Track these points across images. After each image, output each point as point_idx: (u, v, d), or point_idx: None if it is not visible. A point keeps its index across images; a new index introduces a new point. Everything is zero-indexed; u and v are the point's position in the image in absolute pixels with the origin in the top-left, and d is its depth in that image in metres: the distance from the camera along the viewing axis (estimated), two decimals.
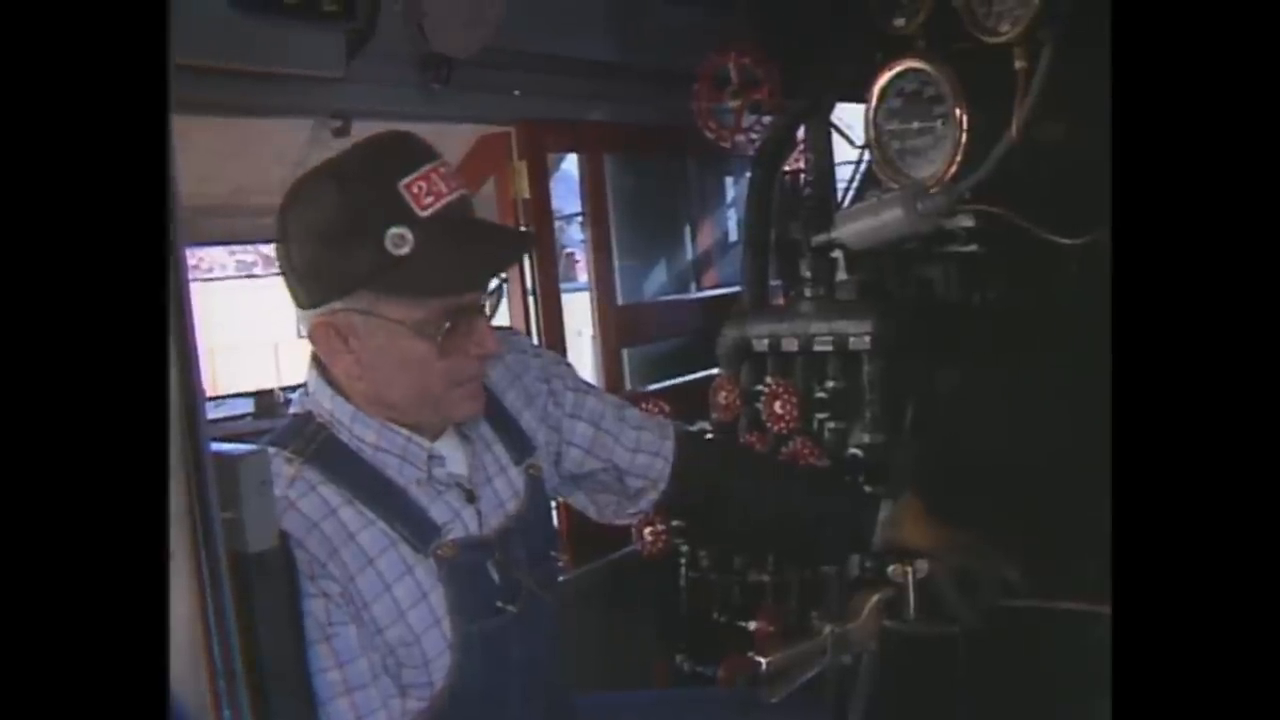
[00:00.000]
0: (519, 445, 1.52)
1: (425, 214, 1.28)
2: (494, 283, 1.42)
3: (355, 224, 1.28)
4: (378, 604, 1.32)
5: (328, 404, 1.39)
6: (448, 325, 1.33)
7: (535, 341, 2.44)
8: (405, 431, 1.39)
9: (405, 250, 1.27)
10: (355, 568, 1.31)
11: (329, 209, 1.30)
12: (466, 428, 1.46)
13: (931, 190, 2.11)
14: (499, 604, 1.40)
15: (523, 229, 1.57)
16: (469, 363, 1.37)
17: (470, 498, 1.43)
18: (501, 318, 2.51)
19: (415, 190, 1.28)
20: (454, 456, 1.44)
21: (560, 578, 1.63)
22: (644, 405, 2.23)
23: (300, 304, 1.36)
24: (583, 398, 1.64)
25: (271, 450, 1.33)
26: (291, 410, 1.44)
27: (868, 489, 2.10)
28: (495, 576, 1.41)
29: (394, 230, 1.27)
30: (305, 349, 1.43)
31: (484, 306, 1.39)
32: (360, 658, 1.30)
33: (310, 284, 1.33)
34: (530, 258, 2.49)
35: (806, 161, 2.45)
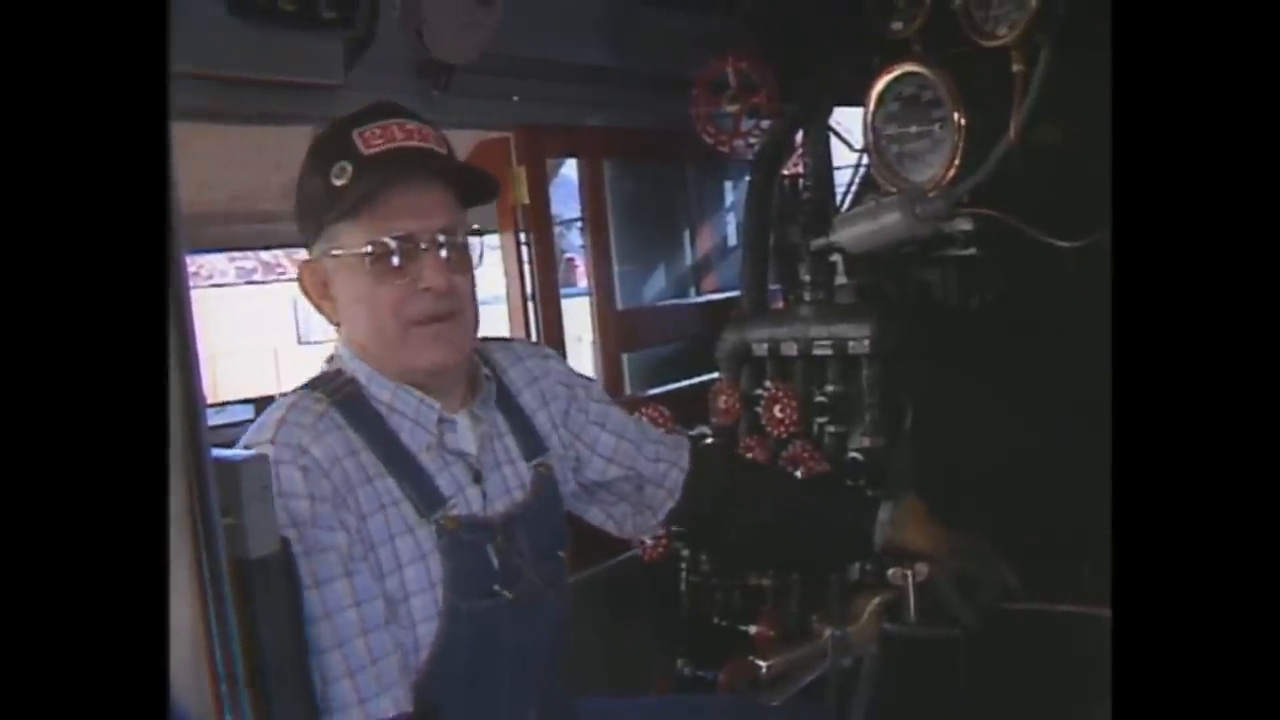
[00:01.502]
0: (531, 443, 1.54)
1: (369, 152, 1.37)
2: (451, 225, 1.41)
3: (316, 169, 1.41)
4: (383, 548, 1.35)
5: (349, 365, 1.44)
6: (395, 259, 1.37)
7: None
8: (418, 393, 1.42)
9: (344, 181, 1.37)
10: (369, 509, 1.35)
11: (306, 164, 1.43)
12: (478, 408, 1.48)
13: (930, 194, 2.12)
14: (495, 588, 1.41)
15: (480, 170, 1.59)
16: (419, 297, 1.38)
17: (477, 477, 1.45)
18: (502, 324, 2.53)
19: (367, 135, 1.38)
20: (465, 431, 1.46)
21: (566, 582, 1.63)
22: (644, 410, 2.24)
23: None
24: (607, 408, 1.67)
25: (303, 389, 1.42)
26: (325, 365, 1.48)
27: (868, 492, 2.10)
28: (494, 560, 1.43)
29: (338, 165, 1.37)
30: (306, 355, 1.45)
31: (440, 243, 1.39)
32: (377, 598, 1.33)
33: (303, 233, 1.45)
34: (530, 263, 2.50)
35: (805, 165, 2.45)
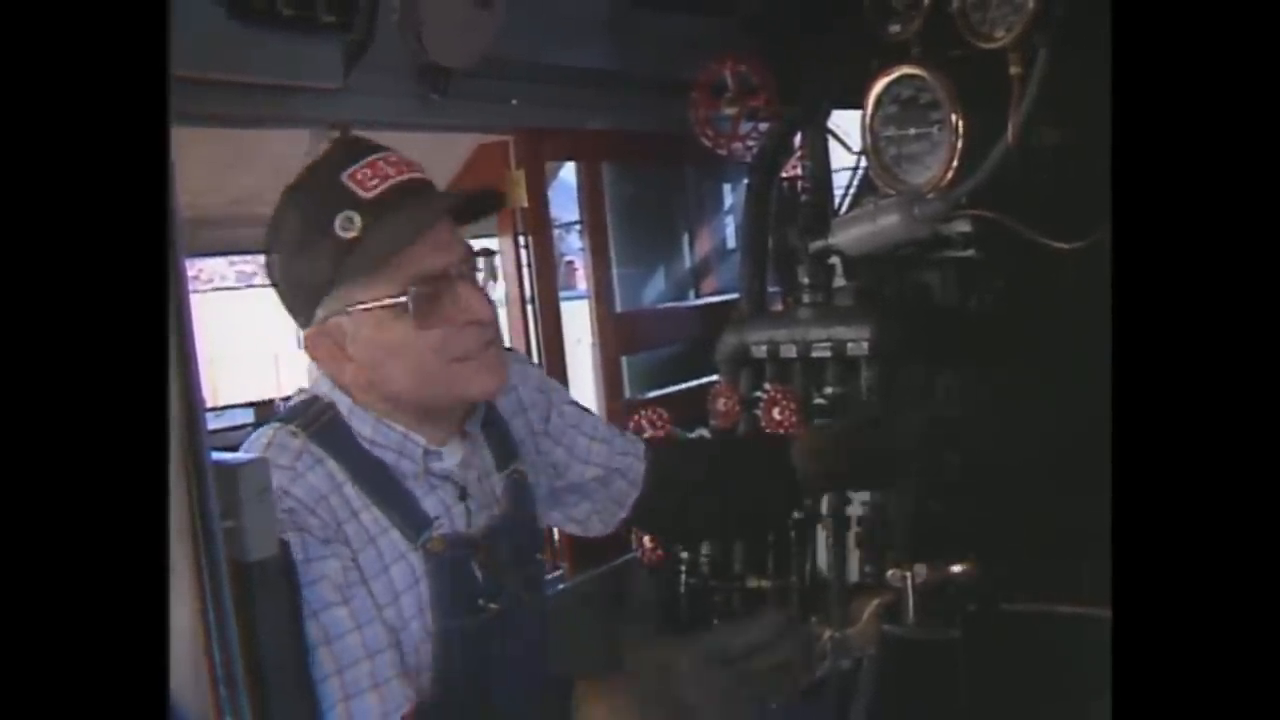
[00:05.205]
0: (504, 451, 1.53)
1: (369, 195, 1.30)
2: (476, 248, 1.40)
3: (310, 223, 1.32)
4: (377, 581, 1.33)
5: (328, 395, 1.40)
6: (431, 297, 1.32)
7: (534, 350, 2.51)
8: (400, 428, 1.39)
9: (354, 232, 1.30)
10: (358, 544, 1.33)
11: (291, 221, 1.35)
12: (469, 424, 1.47)
13: (928, 196, 2.12)
14: (480, 602, 1.41)
15: (488, 190, 1.60)
16: (461, 332, 1.35)
17: (462, 495, 1.44)
18: (502, 327, 2.53)
19: (359, 178, 1.31)
20: (452, 454, 1.45)
21: (548, 584, 1.64)
22: (644, 412, 2.25)
23: (301, 324, 1.39)
24: (581, 412, 1.68)
25: (277, 425, 1.36)
26: (299, 394, 1.44)
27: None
28: (478, 574, 1.42)
29: (341, 215, 1.30)
30: (304, 359, 1.44)
31: (468, 272, 1.36)
32: (375, 621, 1.31)
33: (297, 297, 1.37)
34: (529, 266, 2.51)
35: (804, 168, 2.46)
